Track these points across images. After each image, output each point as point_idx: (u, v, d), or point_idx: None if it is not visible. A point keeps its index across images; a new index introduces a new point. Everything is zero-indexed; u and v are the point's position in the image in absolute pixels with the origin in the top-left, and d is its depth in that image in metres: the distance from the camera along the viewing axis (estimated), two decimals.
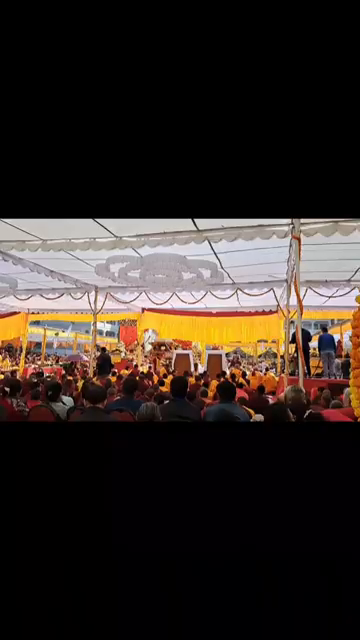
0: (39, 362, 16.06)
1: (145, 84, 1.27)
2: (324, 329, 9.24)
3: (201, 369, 11.63)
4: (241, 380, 8.32)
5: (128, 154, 1.32)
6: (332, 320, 15.11)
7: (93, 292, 8.18)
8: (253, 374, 11.06)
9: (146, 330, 11.37)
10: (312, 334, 9.20)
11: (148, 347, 14.39)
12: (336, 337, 9.62)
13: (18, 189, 1.33)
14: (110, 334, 31.47)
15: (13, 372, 10.12)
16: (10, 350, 18.69)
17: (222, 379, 8.01)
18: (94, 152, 1.32)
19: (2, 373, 10.57)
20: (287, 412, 2.20)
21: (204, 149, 1.30)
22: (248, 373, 11.33)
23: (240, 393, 5.14)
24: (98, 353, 8.73)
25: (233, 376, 8.53)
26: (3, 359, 16.34)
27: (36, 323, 13.30)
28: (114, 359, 11.00)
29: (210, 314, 9.73)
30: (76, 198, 1.35)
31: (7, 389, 4.00)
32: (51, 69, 1.27)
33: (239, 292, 7.77)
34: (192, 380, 7.98)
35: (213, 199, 1.34)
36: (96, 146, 1.32)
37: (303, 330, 5.54)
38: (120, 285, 7.54)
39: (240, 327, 9.63)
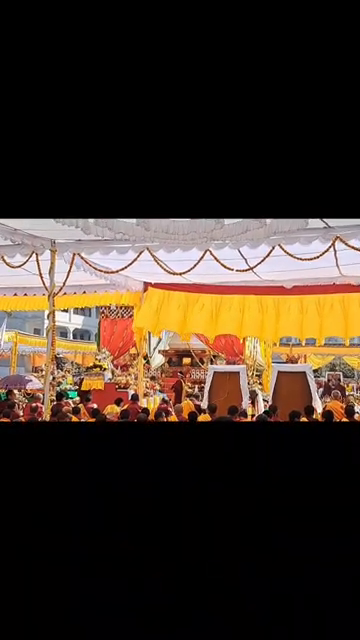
0: None
1: (178, 87, 1.59)
2: None
3: (263, 399, 6.88)
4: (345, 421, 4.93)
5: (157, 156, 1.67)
6: None
7: (47, 252, 5.13)
8: None
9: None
10: None
11: (158, 359, 9.69)
12: None
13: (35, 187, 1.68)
14: (83, 335, 24.33)
15: None
16: None
17: (303, 419, 4.57)
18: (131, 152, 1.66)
19: None
20: None
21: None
22: None
23: None
24: (59, 372, 4.85)
25: (329, 415, 4.93)
26: None
27: None
28: (92, 383, 6.62)
29: (280, 290, 5.67)
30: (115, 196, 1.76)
31: None
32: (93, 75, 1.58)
33: (337, 245, 4.45)
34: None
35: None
36: (134, 148, 1.65)
37: None
38: (101, 239, 4.76)
39: (343, 311, 5.55)
